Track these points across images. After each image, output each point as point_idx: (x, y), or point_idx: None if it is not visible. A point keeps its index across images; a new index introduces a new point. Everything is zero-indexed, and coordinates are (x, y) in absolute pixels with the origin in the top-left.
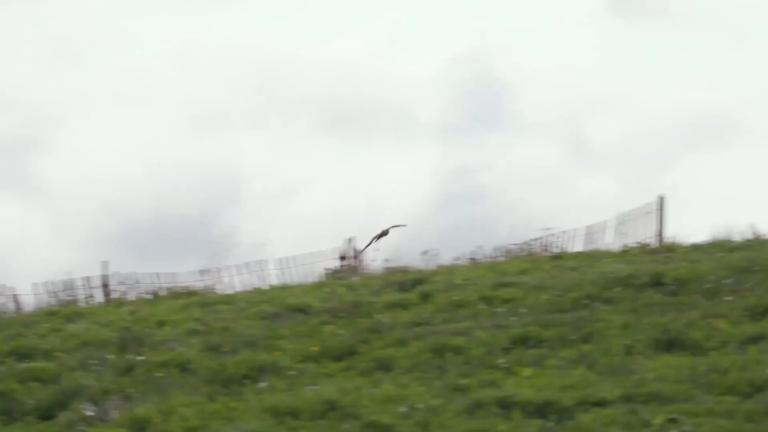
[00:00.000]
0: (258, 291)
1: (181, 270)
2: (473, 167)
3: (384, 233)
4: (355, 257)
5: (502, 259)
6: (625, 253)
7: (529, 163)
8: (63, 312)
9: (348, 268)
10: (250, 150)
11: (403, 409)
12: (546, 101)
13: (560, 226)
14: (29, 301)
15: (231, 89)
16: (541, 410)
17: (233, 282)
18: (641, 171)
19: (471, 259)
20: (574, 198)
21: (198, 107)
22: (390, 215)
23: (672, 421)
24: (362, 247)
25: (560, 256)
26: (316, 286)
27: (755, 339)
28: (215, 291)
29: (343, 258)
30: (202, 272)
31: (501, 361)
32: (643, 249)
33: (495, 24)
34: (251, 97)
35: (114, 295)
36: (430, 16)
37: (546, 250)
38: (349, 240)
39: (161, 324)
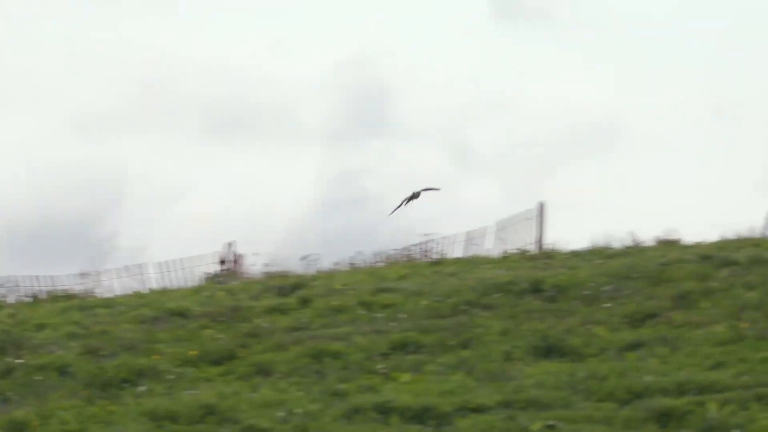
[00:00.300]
0: (137, 295)
1: (61, 273)
2: (356, 172)
3: (415, 195)
4: (235, 262)
5: (382, 264)
6: (505, 260)
7: (412, 169)
8: None
9: (228, 273)
10: (133, 153)
11: (281, 413)
12: (430, 107)
13: (440, 231)
14: None
15: (115, 91)
16: (420, 416)
17: (113, 285)
18: (524, 177)
19: (351, 264)
20: (457, 204)
21: (81, 109)
22: (272, 220)
23: (550, 427)
24: (393, 209)
25: (440, 262)
26: (196, 290)
27: (634, 346)
28: (95, 294)
29: (223, 262)
30: (81, 275)
31: (380, 366)
32: (523, 255)
33: (380, 29)
34: (135, 99)
35: None
36: (316, 20)
37: (426, 256)
38: (230, 244)
39: (40, 327)
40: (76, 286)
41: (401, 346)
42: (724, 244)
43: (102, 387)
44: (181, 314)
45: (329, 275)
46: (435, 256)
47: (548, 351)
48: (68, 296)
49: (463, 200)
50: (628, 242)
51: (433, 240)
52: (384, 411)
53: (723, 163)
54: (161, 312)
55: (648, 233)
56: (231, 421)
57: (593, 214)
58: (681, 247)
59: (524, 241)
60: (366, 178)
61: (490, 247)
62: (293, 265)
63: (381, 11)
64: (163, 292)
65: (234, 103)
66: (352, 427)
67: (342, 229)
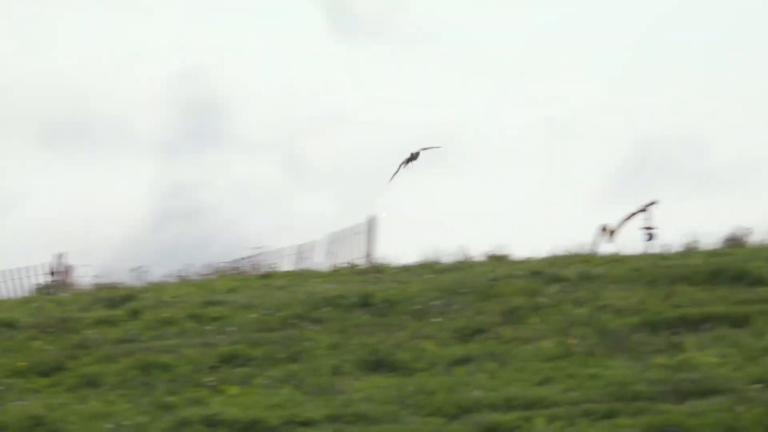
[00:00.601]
0: None
1: None
2: (190, 185)
3: (413, 157)
4: (66, 273)
5: (212, 277)
6: (335, 273)
7: (247, 182)
8: None
9: (58, 284)
10: None
11: (110, 425)
12: (265, 120)
13: (271, 244)
14: None
15: None
16: (248, 429)
17: None
18: (358, 191)
19: (181, 276)
20: (291, 217)
21: None
22: (104, 231)
23: None
24: (392, 174)
25: (270, 275)
26: (25, 301)
27: (463, 360)
28: None
29: (53, 273)
30: None
31: (208, 379)
32: (353, 269)
33: (217, 42)
34: None
35: None
36: (153, 31)
37: (255, 269)
38: (60, 255)
39: None
40: None
41: (230, 359)
42: (553, 260)
43: None
44: (10, 325)
45: (159, 287)
46: (265, 269)
47: (377, 365)
48: None
49: (298, 213)
50: (459, 257)
51: (263, 253)
52: (212, 424)
53: (555, 179)
54: None
55: (478, 248)
56: None
57: (425, 228)
58: (510, 262)
59: (354, 255)
60: (200, 191)
61: (321, 261)
62: (124, 276)
63: (218, 24)
64: None
65: (70, 114)
66: None
67: (175, 242)
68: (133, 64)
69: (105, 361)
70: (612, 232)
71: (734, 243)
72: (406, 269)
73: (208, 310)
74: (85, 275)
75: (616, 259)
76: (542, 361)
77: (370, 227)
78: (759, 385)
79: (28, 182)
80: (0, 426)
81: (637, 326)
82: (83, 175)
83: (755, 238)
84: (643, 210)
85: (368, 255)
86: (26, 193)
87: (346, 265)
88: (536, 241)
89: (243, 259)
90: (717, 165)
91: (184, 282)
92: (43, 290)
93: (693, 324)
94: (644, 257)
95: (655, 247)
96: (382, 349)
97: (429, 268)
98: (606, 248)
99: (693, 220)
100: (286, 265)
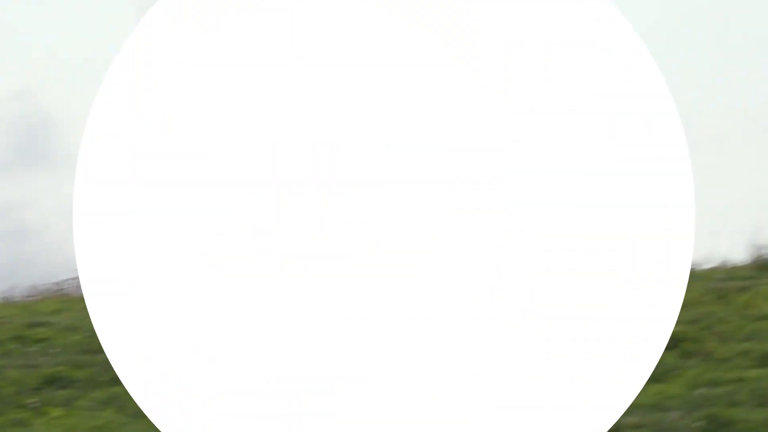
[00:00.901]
0: None
1: None
2: (17, 204)
3: None
4: None
5: (37, 298)
6: None
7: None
8: None
9: None
10: None
11: None
12: None
13: None
14: None
15: None
16: None
17: None
18: None
19: (4, 297)
20: None
21: None
22: None
23: None
24: None
25: None
26: None
27: None
28: None
29: None
30: None
31: (31, 400)
32: None
33: (46, 61)
34: None
35: None
36: None
37: (80, 291)
38: None
39: None
40: None
41: (53, 381)
42: None
43: None
44: None
45: None
46: None
47: None
48: None
49: None
50: None
51: None
52: None
53: None
54: None
55: None
56: None
57: None
58: None
59: None
60: (27, 211)
61: None
62: None
63: (49, 42)
64: None
65: None
66: None
67: (0, 262)
68: None
69: None
70: None
71: None
72: None
73: (31, 332)
74: None
75: None
76: None
77: None
78: None
79: None
80: None
81: None
82: None
83: None
84: None
85: None
86: None
87: None
88: None
89: (67, 280)
90: None
91: (7, 303)
92: None
93: None
94: None
95: None
96: None
97: None
98: None
99: None
100: None
